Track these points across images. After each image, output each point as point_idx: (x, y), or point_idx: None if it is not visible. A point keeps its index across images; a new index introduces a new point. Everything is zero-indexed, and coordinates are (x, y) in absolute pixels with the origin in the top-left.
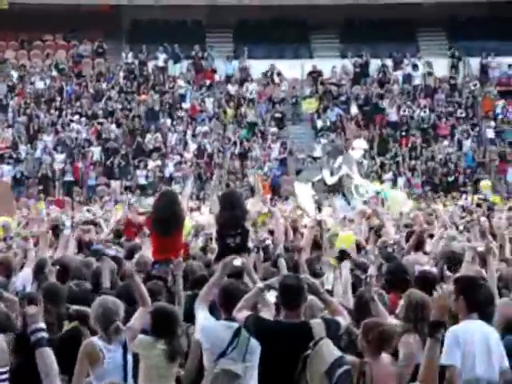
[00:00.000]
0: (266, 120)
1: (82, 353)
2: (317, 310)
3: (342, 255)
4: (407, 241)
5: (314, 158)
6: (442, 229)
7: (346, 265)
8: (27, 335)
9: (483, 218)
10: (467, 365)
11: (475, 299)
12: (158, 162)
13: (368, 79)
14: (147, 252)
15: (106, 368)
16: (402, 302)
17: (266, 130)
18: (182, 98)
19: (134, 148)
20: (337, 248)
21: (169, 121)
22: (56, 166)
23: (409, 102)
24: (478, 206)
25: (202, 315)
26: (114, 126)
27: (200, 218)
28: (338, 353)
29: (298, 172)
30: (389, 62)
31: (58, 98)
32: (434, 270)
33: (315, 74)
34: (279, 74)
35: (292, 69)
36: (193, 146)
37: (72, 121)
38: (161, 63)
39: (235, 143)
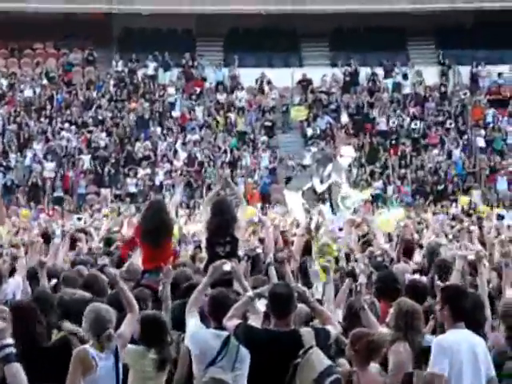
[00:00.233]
0: (256, 128)
1: (76, 360)
2: (303, 318)
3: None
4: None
5: (304, 166)
6: (433, 237)
7: (348, 283)
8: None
9: (473, 227)
10: (454, 374)
11: (460, 308)
12: (148, 171)
13: (358, 88)
14: (137, 260)
15: (98, 376)
16: (391, 311)
17: (255, 139)
18: (172, 106)
19: (124, 156)
20: (329, 257)
21: (159, 129)
22: (46, 174)
23: (398, 111)
24: (469, 215)
25: (193, 322)
26: (104, 135)
27: (190, 226)
28: (327, 361)
29: (288, 180)
30: (379, 71)
31: (48, 107)
32: (424, 278)
33: (305, 83)
34: (269, 83)
35: (282, 77)
36: (183, 155)
37: (62, 129)
38: (151, 71)
39: (225, 152)
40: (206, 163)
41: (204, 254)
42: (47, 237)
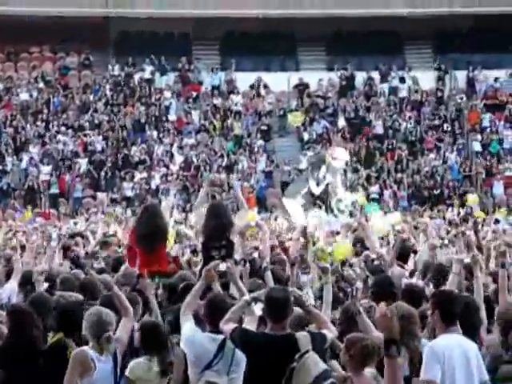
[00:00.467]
0: (253, 132)
1: (74, 361)
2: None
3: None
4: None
5: (300, 171)
6: (430, 241)
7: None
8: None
9: (469, 232)
10: (447, 379)
11: (451, 313)
12: (145, 174)
13: (354, 92)
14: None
15: (95, 378)
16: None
17: (252, 143)
18: (169, 110)
19: (120, 160)
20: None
21: (155, 133)
22: (42, 177)
23: (395, 115)
24: (465, 220)
25: (188, 326)
26: (100, 138)
27: (185, 230)
28: (323, 366)
29: (284, 185)
30: (375, 75)
31: (45, 110)
32: (421, 283)
33: (302, 87)
34: (266, 87)
35: (279, 81)
36: (179, 159)
37: (58, 133)
38: (147, 75)
39: (222, 155)
40: (202, 167)
41: (199, 258)
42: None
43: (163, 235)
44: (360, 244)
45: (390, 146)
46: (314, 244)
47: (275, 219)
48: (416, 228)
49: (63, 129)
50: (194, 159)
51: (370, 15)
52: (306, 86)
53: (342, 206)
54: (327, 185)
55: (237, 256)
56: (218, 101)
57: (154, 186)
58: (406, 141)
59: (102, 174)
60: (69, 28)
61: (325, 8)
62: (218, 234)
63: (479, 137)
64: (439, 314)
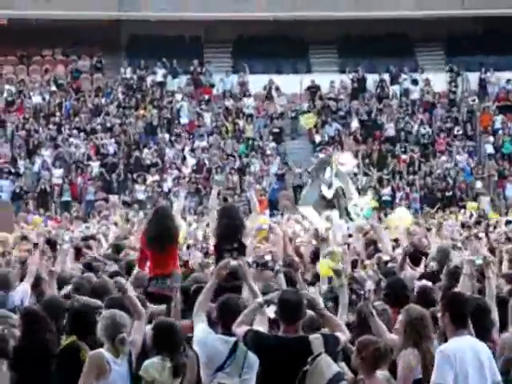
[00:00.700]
0: (264, 135)
1: (91, 363)
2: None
3: None
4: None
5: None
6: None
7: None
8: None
9: (482, 234)
10: (460, 382)
11: (461, 314)
12: (157, 177)
13: (366, 94)
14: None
15: (110, 381)
16: (400, 318)
17: (264, 145)
18: (180, 112)
19: (132, 163)
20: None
21: (167, 136)
22: (54, 181)
23: (407, 118)
24: (478, 223)
25: (200, 327)
26: (112, 141)
27: (197, 232)
28: (336, 368)
29: (297, 188)
30: (387, 77)
31: (57, 114)
32: (430, 284)
33: (313, 89)
34: (277, 89)
35: (290, 84)
36: (191, 161)
37: (70, 136)
38: (159, 78)
39: (234, 158)
40: (214, 170)
41: (211, 261)
42: (53, 243)
43: (174, 236)
44: (373, 246)
45: (403, 149)
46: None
47: (288, 220)
48: (428, 230)
49: (75, 132)
50: (206, 162)
51: (381, 17)
52: (318, 88)
53: (358, 210)
54: (337, 189)
55: (249, 259)
56: (229, 103)
57: (166, 189)
58: (418, 143)
59: (114, 176)
60: (81, 31)
61: (336, 10)
62: (230, 236)
63: (491, 139)
64: (449, 316)
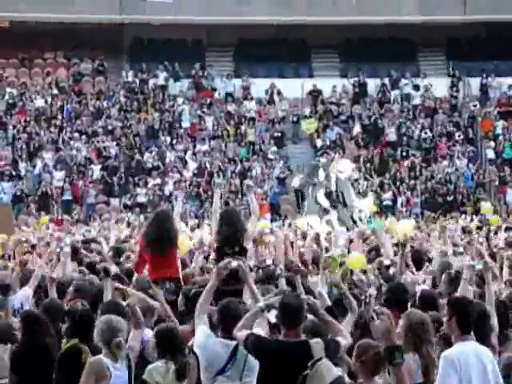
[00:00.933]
0: (266, 139)
1: (90, 370)
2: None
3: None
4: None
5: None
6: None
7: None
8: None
9: (482, 239)
10: None
11: (468, 320)
12: (158, 181)
13: (367, 99)
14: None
15: None
16: (401, 322)
17: (265, 149)
18: (182, 116)
19: (133, 166)
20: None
21: (168, 139)
22: (55, 183)
23: (408, 122)
24: (479, 228)
25: (201, 330)
26: (113, 144)
27: (200, 236)
28: (336, 372)
29: (299, 192)
30: (388, 82)
31: (59, 116)
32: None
33: (315, 93)
34: (279, 93)
35: (292, 88)
36: (192, 165)
37: (72, 139)
38: (161, 82)
39: (235, 162)
40: (215, 174)
41: (212, 265)
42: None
43: (173, 239)
44: (375, 251)
45: (404, 153)
46: (326, 251)
47: (289, 225)
48: (429, 235)
49: (77, 135)
50: (208, 165)
51: (383, 22)
52: (320, 92)
53: (362, 215)
54: (337, 195)
55: (250, 263)
56: (231, 107)
57: (167, 193)
58: (419, 148)
59: (116, 179)
60: (83, 34)
61: (338, 15)
62: (231, 240)
63: (492, 144)
64: (456, 321)
